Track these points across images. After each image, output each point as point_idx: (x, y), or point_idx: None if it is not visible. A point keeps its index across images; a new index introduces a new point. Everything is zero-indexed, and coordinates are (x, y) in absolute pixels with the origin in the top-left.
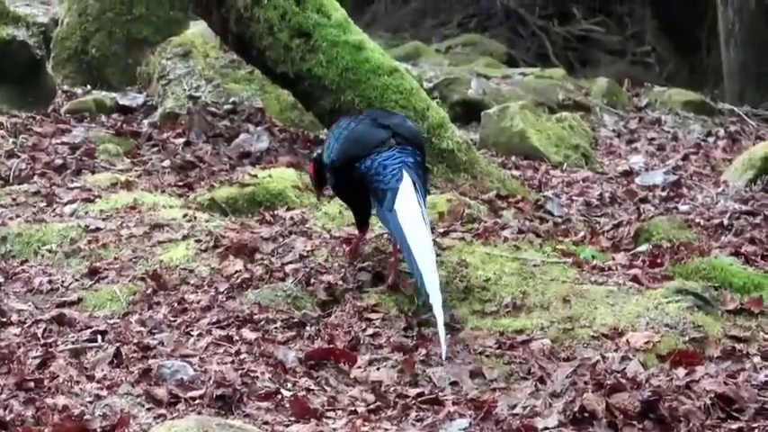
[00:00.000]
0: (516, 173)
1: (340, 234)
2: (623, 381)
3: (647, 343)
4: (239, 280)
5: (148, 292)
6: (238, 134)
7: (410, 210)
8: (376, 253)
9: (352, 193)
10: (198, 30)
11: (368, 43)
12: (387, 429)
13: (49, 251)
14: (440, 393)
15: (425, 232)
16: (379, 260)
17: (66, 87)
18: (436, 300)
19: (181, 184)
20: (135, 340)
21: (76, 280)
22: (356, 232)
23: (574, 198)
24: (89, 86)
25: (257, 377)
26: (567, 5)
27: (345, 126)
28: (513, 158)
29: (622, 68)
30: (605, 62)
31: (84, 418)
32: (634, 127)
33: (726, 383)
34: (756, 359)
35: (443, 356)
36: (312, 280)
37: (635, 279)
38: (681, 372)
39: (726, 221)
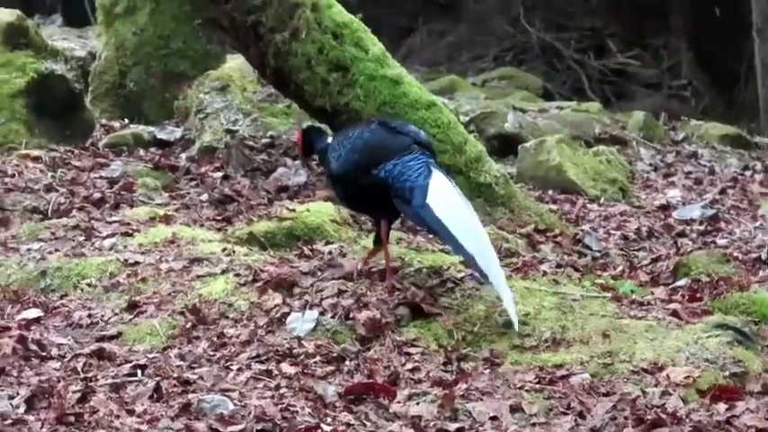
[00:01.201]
0: (553, 207)
1: (378, 268)
2: (663, 416)
3: (687, 378)
4: (278, 314)
5: (188, 326)
6: (276, 168)
7: (446, 199)
8: (411, 287)
9: (362, 200)
10: (235, 64)
11: (405, 77)
12: None
13: (89, 285)
14: (479, 428)
15: (469, 216)
16: (414, 293)
17: (104, 121)
18: (497, 278)
19: (219, 218)
20: (174, 375)
21: (116, 314)
22: (394, 266)
23: (611, 232)
24: (127, 120)
25: (297, 412)
26: (602, 39)
27: (358, 135)
28: (550, 192)
29: (658, 102)
30: (641, 95)
31: None
32: (671, 161)
33: (767, 419)
34: None
35: (516, 328)
36: (351, 314)
37: (674, 314)
38: (721, 407)
39: (764, 255)
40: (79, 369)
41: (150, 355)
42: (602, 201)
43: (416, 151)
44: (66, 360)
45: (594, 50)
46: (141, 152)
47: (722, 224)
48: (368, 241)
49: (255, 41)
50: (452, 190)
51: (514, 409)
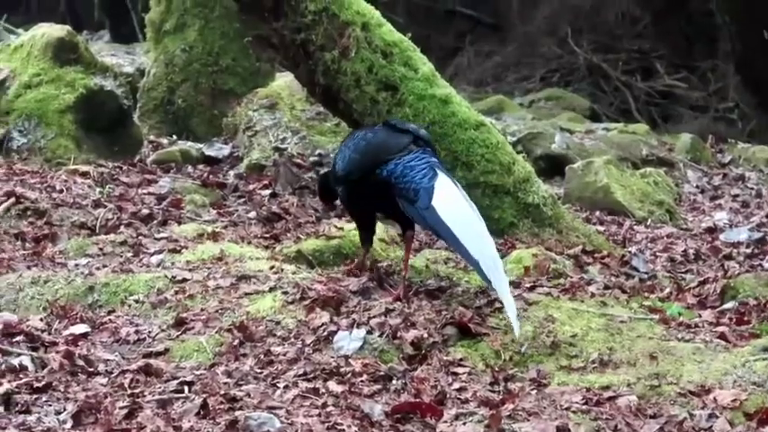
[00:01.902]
0: (601, 228)
1: (426, 287)
2: None
3: (734, 401)
4: (325, 332)
5: (235, 343)
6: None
7: (452, 203)
8: (459, 307)
9: (367, 202)
10: (284, 81)
11: (454, 97)
12: None
13: (136, 301)
14: None
15: (475, 220)
16: (461, 312)
17: (152, 137)
18: (500, 283)
19: (267, 235)
20: (221, 392)
21: (163, 330)
22: (441, 285)
23: (658, 254)
24: (175, 137)
25: (343, 430)
26: (650, 61)
27: (362, 137)
28: (598, 213)
29: (705, 124)
30: (688, 118)
31: None
32: (718, 183)
33: None
34: None
35: (516, 334)
36: (398, 333)
37: (722, 336)
38: None
39: None
40: (126, 385)
41: (197, 372)
42: (649, 222)
43: (417, 150)
44: (113, 376)
45: (642, 72)
46: (189, 169)
47: None
48: (416, 260)
49: (305, 59)
50: (458, 193)
51: (561, 430)
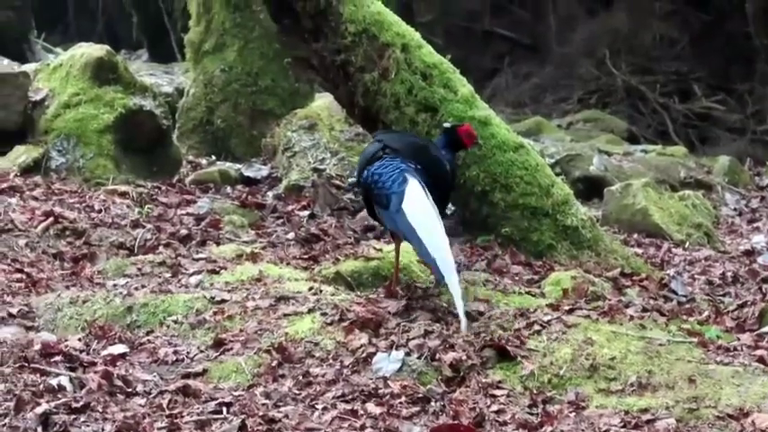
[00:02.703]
0: (639, 250)
1: (465, 309)
2: None
3: None
4: (364, 354)
5: (273, 364)
6: (363, 208)
7: (419, 208)
8: (498, 329)
9: (369, 211)
10: (323, 102)
11: (494, 119)
12: None
13: (175, 322)
14: None
15: (436, 225)
16: (500, 335)
17: (190, 158)
18: (452, 281)
19: (306, 256)
20: (260, 413)
21: (201, 351)
22: (480, 307)
23: (696, 277)
24: (214, 157)
25: None
26: (687, 83)
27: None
28: (636, 236)
29: (742, 147)
30: (725, 140)
31: None
32: (755, 206)
33: None
34: None
35: (463, 329)
36: (437, 355)
37: (761, 360)
38: None
39: None
40: (164, 405)
41: (235, 393)
42: (687, 245)
43: (384, 157)
44: (151, 396)
45: (679, 94)
46: (228, 189)
47: None
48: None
49: (344, 81)
50: (425, 198)
51: None
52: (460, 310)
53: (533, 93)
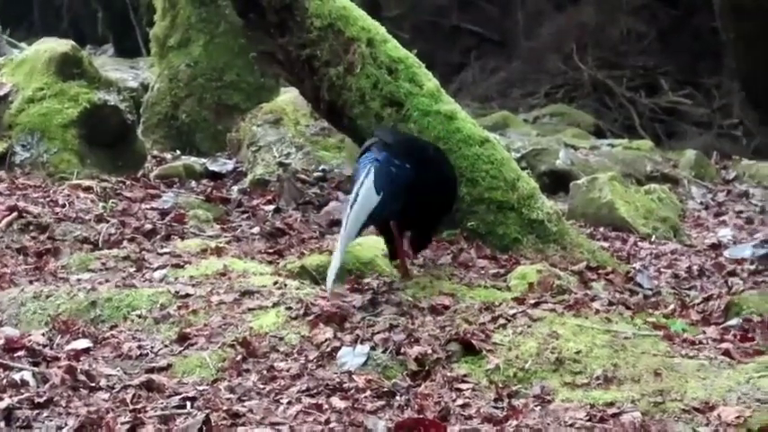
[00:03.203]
0: (605, 244)
1: (430, 303)
2: None
3: (738, 418)
4: (329, 348)
5: (238, 359)
6: (328, 202)
7: (354, 190)
8: (463, 323)
9: None
10: (289, 97)
11: (459, 113)
12: None
13: (139, 316)
14: None
15: (350, 208)
16: (465, 328)
17: (155, 152)
18: (340, 247)
19: (271, 251)
20: (224, 407)
21: (166, 346)
22: (445, 301)
23: (662, 270)
24: (178, 152)
25: None
26: (654, 77)
27: None
28: (602, 230)
29: (709, 141)
30: (692, 134)
31: None
32: (722, 200)
33: None
34: None
35: (328, 288)
36: (402, 349)
37: (726, 353)
38: None
39: None
40: (128, 400)
41: (200, 388)
42: (653, 239)
43: (370, 151)
44: (115, 391)
45: (646, 89)
46: (193, 184)
47: None
48: (421, 277)
49: (310, 75)
50: (361, 185)
51: None
52: (330, 274)
53: (500, 87)
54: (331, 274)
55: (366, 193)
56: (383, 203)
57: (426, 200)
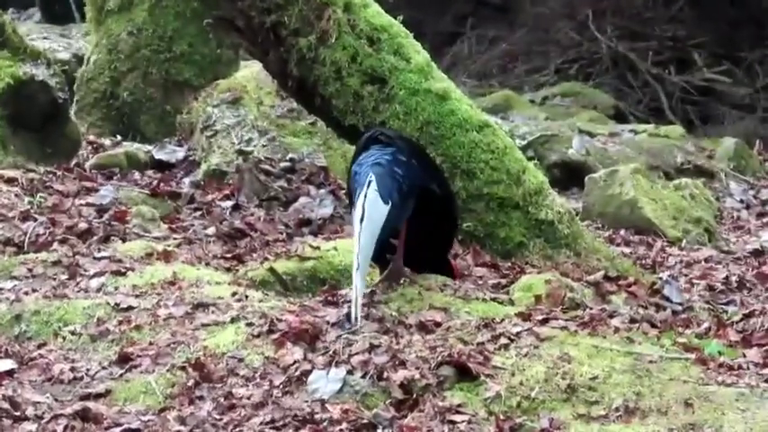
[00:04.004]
0: (626, 250)
1: (418, 319)
2: None
3: None
4: (298, 372)
5: (190, 384)
6: (297, 198)
7: (359, 204)
8: (458, 343)
9: None
10: (250, 72)
11: (453, 92)
12: None
13: (72, 333)
14: None
15: (359, 224)
16: (460, 349)
17: (92, 137)
18: (361, 269)
19: (229, 256)
20: None
21: (104, 368)
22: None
23: (695, 281)
24: (119, 137)
25: None
26: (686, 51)
27: None
28: (623, 233)
29: (751, 127)
30: (731, 119)
31: None
32: (766, 197)
33: None
34: None
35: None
36: (385, 374)
37: None
38: None
39: None
40: None
41: (144, 418)
42: (684, 244)
43: (370, 148)
44: (43, 422)
45: (676, 64)
46: (136, 175)
47: None
48: (407, 288)
49: (276, 46)
50: (366, 195)
51: None
52: (355, 305)
53: (502, 62)
54: (355, 308)
55: (373, 206)
56: (395, 213)
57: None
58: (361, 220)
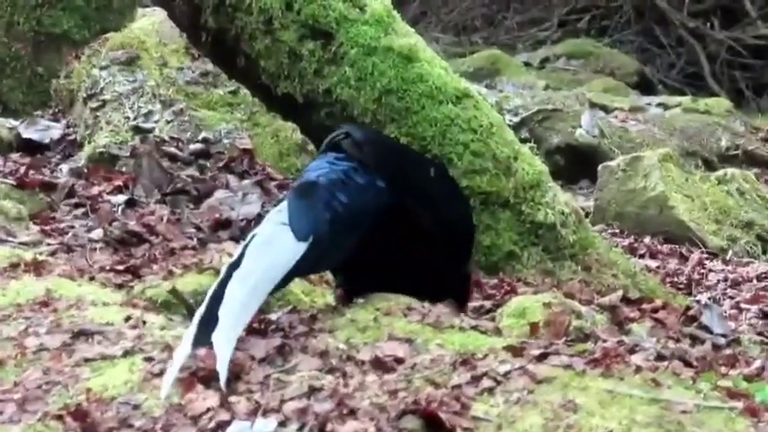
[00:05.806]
0: (652, 263)
1: (373, 354)
2: None
3: None
4: (213, 423)
5: None
6: (213, 191)
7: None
8: (426, 386)
9: None
10: (150, 23)
11: (422, 51)
12: None
13: None
14: None
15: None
16: (429, 394)
17: None
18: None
19: (120, 268)
20: None
21: None
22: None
23: (743, 306)
24: None
25: None
26: None
27: None
28: (648, 240)
29: None
30: None
31: None
32: None
33: None
34: None
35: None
36: (329, 426)
37: None
38: None
39: None
40: None
41: None
42: (729, 256)
43: (329, 155)
44: None
45: (722, 15)
46: None
47: None
48: (357, 312)
49: None
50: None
51: None
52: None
53: (487, 11)
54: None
55: (272, 240)
56: (311, 258)
57: (408, 245)
58: (236, 265)
